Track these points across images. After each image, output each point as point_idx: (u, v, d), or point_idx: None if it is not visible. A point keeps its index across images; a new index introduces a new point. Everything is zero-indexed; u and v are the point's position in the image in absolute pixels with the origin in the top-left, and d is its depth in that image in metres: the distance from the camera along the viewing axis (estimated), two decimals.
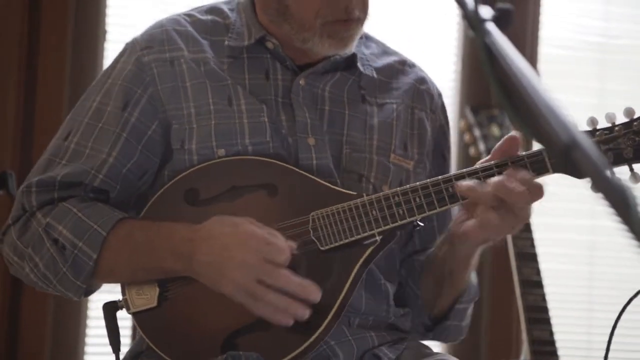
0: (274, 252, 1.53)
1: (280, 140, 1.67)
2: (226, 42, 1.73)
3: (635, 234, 0.78)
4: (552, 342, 2.69)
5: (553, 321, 2.71)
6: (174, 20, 1.76)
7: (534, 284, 2.73)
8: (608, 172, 0.80)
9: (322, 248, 1.58)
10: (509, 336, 3.27)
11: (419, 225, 1.62)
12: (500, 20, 0.99)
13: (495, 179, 1.53)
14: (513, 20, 1.00)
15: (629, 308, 1.70)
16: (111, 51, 2.97)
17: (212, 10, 1.79)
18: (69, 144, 1.70)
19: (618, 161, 1.56)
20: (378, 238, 1.58)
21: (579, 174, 0.84)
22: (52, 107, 2.98)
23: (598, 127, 1.57)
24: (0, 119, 2.97)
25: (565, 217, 3.41)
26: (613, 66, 3.47)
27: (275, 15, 1.70)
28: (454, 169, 1.91)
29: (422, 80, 1.84)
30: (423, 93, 1.82)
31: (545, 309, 2.71)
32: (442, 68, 3.33)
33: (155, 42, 1.72)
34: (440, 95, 1.86)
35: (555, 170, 1.56)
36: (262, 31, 1.72)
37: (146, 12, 3.12)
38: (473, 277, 1.77)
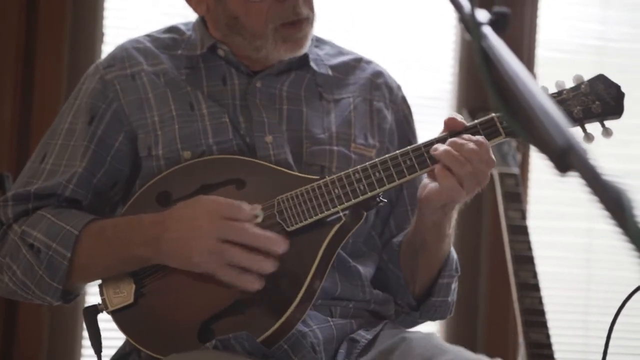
0: (234, 210, 1.59)
1: (241, 139, 1.73)
2: (179, 52, 1.81)
3: (631, 237, 0.78)
4: (548, 345, 2.69)
5: (550, 324, 2.72)
6: (133, 40, 1.85)
7: (530, 287, 2.74)
8: (604, 176, 0.80)
9: (288, 229, 1.63)
10: (506, 339, 3.27)
11: (382, 201, 1.65)
12: (497, 23, 0.99)
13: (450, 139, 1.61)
14: (510, 24, 1.01)
15: (625, 311, 1.70)
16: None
17: (170, 29, 1.88)
18: (45, 166, 1.76)
19: (569, 121, 1.59)
20: (342, 214, 1.63)
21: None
22: (48, 109, 2.97)
23: (549, 93, 1.63)
24: None
25: (562, 220, 3.41)
26: (611, 70, 3.45)
27: (226, 30, 1.77)
28: None
29: (379, 74, 1.90)
30: (381, 85, 1.88)
31: (541, 312, 2.71)
32: (439, 71, 3.34)
33: (116, 60, 1.81)
34: (399, 87, 1.92)
35: (508, 134, 1.63)
36: (213, 40, 1.79)
37: (144, 14, 3.12)
38: (453, 252, 1.80)
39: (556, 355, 2.70)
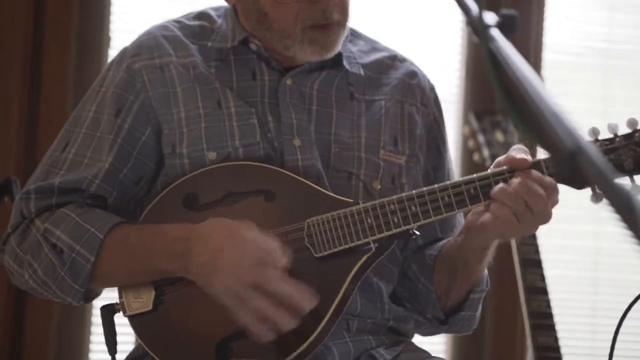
0: (272, 257, 1.54)
1: (268, 142, 1.67)
2: (209, 44, 1.75)
3: None
4: (556, 348, 2.68)
5: (557, 327, 2.71)
6: (162, 27, 1.78)
7: (538, 290, 2.73)
8: (613, 178, 0.80)
9: (316, 255, 1.59)
10: (513, 342, 3.26)
11: (415, 233, 1.61)
12: (505, 26, 0.99)
13: (517, 180, 1.53)
14: (517, 27, 1.00)
15: (632, 314, 1.70)
16: None
17: (200, 16, 1.81)
18: (67, 155, 1.71)
19: (618, 172, 1.55)
20: (373, 246, 1.58)
21: (575, 183, 0.84)
22: (55, 113, 2.98)
23: (600, 137, 1.57)
24: (4, 125, 2.97)
25: (570, 223, 3.40)
26: (617, 72, 3.47)
27: (256, 24, 1.72)
28: (457, 173, 1.90)
29: (413, 75, 1.84)
30: (414, 87, 1.82)
31: (549, 315, 2.70)
32: (446, 74, 3.34)
33: (144, 48, 1.74)
34: (432, 89, 1.86)
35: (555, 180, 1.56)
36: (245, 33, 1.74)
37: (150, 18, 3.12)
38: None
39: (564, 358, 2.69)
